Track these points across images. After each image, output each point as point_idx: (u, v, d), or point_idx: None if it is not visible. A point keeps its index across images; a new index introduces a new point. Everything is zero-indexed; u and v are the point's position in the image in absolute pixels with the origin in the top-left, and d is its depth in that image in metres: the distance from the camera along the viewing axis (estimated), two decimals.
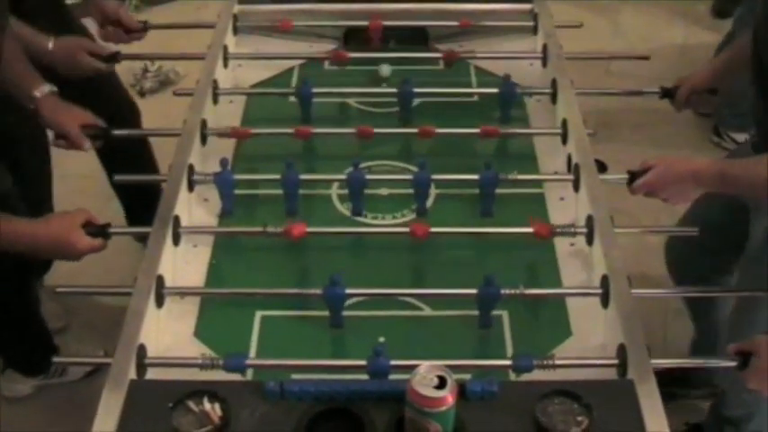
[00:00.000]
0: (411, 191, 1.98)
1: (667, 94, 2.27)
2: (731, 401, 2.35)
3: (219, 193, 1.97)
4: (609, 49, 3.92)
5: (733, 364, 1.59)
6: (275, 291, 1.77)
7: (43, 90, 2.07)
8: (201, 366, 1.57)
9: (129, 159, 2.48)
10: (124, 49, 2.47)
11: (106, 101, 2.18)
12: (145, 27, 2.47)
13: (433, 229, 1.86)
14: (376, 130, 2.14)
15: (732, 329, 2.21)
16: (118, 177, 2.23)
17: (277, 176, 1.95)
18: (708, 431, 2.50)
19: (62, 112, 2.09)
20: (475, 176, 1.96)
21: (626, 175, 1.96)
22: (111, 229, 1.84)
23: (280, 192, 1.96)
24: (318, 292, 1.71)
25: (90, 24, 2.56)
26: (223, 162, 1.96)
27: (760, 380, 1.58)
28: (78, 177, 3.37)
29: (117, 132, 2.16)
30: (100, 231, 1.81)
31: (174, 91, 2.42)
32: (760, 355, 1.56)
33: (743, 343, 1.60)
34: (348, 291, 1.74)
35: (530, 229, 1.86)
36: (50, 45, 2.24)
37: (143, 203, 1.92)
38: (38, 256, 1.83)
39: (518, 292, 1.70)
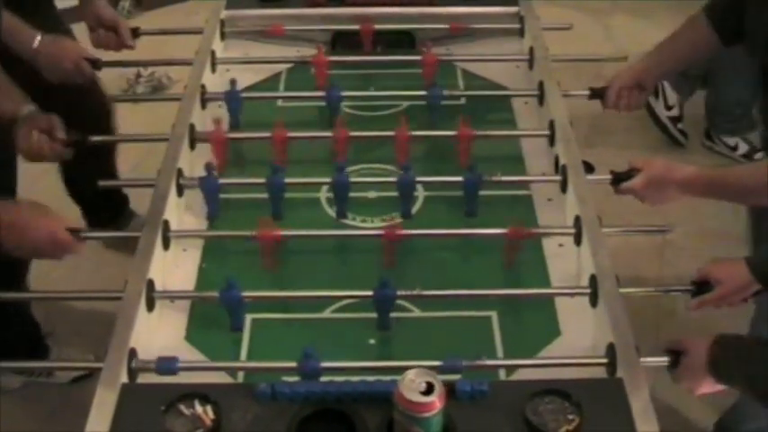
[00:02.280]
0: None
1: (597, 94, 2.28)
2: (745, 413, 2.33)
3: (205, 198, 1.98)
4: (599, 53, 3.93)
5: (664, 359, 1.62)
6: (265, 294, 1.77)
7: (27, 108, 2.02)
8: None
9: (88, 163, 2.45)
10: (116, 54, 2.47)
11: (81, 103, 2.15)
12: (137, 35, 2.46)
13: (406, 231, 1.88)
14: (363, 134, 2.15)
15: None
16: (103, 183, 2.21)
17: (263, 180, 1.97)
18: None
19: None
20: (459, 178, 1.97)
21: (609, 176, 1.97)
22: (84, 234, 1.84)
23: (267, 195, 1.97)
24: (309, 294, 1.71)
25: (80, 29, 2.55)
26: (208, 167, 1.96)
27: (689, 379, 1.60)
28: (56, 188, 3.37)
29: (96, 139, 2.16)
30: (73, 234, 1.80)
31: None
32: (690, 353, 1.58)
33: (674, 341, 1.62)
34: (338, 293, 1.77)
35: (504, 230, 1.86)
36: (36, 43, 2.17)
37: (103, 208, 1.89)
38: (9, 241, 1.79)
39: (415, 293, 1.72)
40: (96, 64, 2.32)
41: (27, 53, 2.16)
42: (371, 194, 2.04)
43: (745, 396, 2.30)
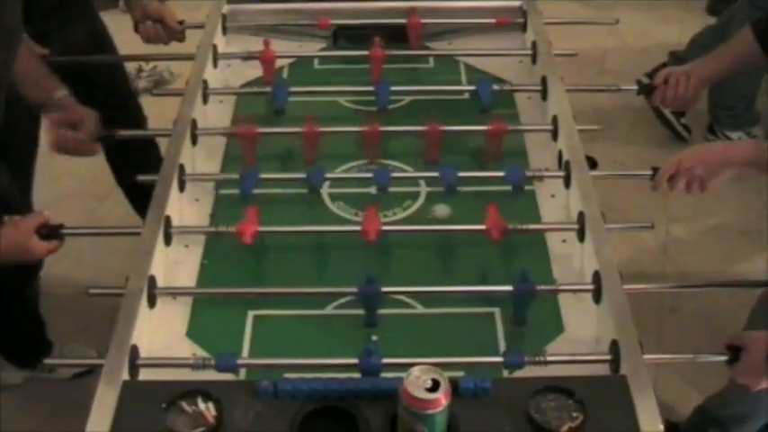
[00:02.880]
0: (402, 189, 1.99)
1: (645, 89, 2.28)
2: (733, 398, 2.34)
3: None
4: (603, 47, 3.92)
5: (723, 358, 1.60)
6: (267, 290, 1.77)
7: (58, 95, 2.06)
8: (193, 367, 1.56)
9: (136, 158, 2.48)
10: (123, 48, 2.46)
11: (112, 101, 2.16)
12: (183, 28, 2.47)
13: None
14: (364, 129, 2.14)
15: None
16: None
17: (268, 176, 1.97)
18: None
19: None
20: (501, 173, 1.99)
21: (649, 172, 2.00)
22: (65, 230, 1.84)
23: (271, 191, 1.98)
24: (308, 290, 1.71)
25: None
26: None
27: (749, 374, 1.59)
28: (71, 177, 3.37)
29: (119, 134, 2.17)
30: (53, 233, 1.83)
31: (152, 92, 2.40)
32: (750, 349, 1.56)
33: (733, 337, 1.61)
34: (340, 289, 1.76)
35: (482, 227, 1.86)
36: None
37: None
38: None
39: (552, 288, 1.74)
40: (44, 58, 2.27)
41: None
42: (373, 190, 2.03)
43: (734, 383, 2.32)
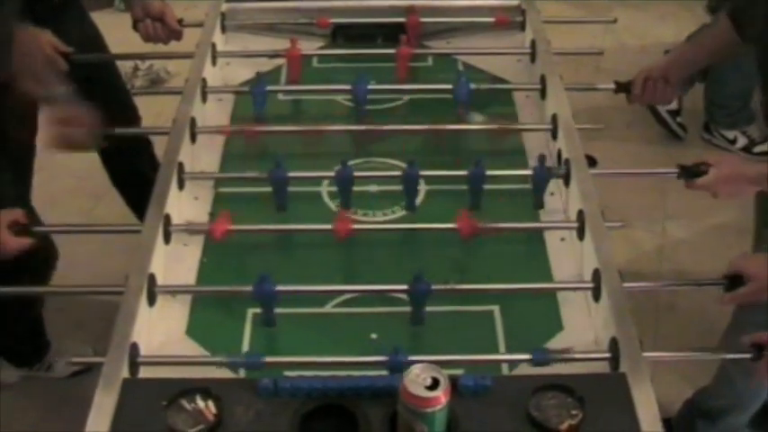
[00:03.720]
0: (401, 187, 1.98)
1: (623, 88, 2.28)
2: (718, 391, 2.36)
3: (273, 190, 1.96)
4: (600, 47, 3.89)
5: (747, 356, 1.60)
6: (297, 288, 1.76)
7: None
8: (218, 364, 1.57)
9: (131, 158, 2.47)
10: (117, 47, 2.45)
11: (107, 102, 2.15)
12: (181, 26, 2.46)
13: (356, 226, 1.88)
14: (363, 128, 2.14)
15: (732, 327, 2.22)
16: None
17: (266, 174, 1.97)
18: (677, 427, 2.51)
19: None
20: (463, 172, 1.97)
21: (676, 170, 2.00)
22: (37, 228, 1.85)
23: (269, 189, 1.97)
24: (311, 288, 1.72)
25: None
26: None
27: (754, 297, 1.61)
28: (68, 177, 3.37)
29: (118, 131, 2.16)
30: (25, 230, 1.82)
31: (156, 90, 2.41)
32: (752, 276, 1.57)
33: (758, 334, 1.61)
34: (339, 287, 1.78)
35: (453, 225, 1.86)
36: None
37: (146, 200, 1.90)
38: None
39: (449, 287, 1.72)
40: (68, 57, 2.25)
41: None
42: (373, 188, 2.03)
43: (719, 375, 2.35)
